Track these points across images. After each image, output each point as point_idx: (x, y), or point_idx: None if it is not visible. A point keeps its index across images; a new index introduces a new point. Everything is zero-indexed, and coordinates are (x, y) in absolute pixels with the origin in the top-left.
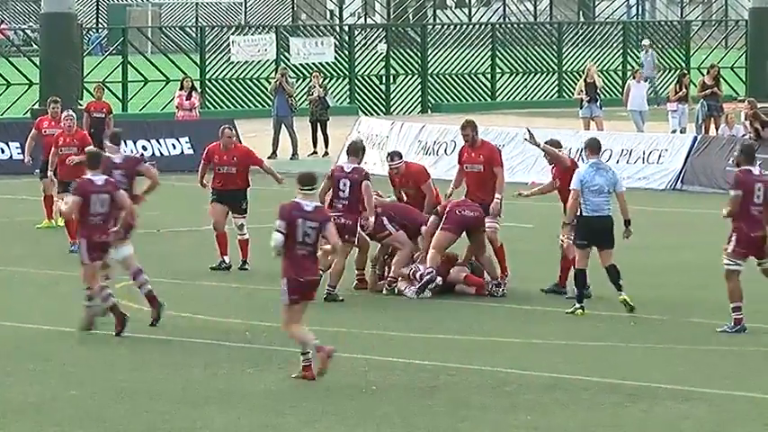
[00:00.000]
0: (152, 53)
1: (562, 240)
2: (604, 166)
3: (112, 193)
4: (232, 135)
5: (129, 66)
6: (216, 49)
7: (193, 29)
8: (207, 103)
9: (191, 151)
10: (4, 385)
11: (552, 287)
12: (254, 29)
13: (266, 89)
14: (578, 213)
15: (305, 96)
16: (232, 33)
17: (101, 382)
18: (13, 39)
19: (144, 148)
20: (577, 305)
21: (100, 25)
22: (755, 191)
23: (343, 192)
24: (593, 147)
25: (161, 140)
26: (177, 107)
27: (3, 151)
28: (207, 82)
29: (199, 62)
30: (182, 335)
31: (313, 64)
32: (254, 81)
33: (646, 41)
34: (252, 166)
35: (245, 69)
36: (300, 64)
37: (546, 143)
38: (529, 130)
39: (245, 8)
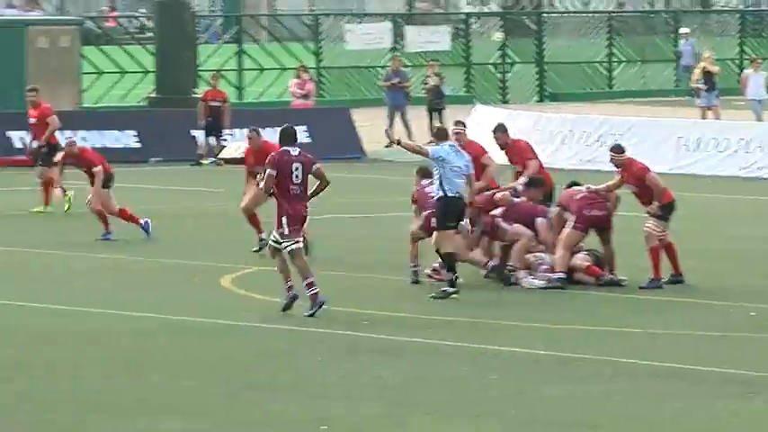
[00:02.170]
0: (267, 41)
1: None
2: None
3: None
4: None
5: (244, 54)
6: (331, 37)
7: (309, 17)
8: (321, 91)
9: (308, 139)
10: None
11: (669, 278)
12: (369, 17)
13: (381, 78)
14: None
15: (420, 85)
16: (347, 21)
17: (225, 373)
18: (127, 26)
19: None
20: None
21: (215, 13)
22: None
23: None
24: None
25: (277, 128)
26: (293, 95)
27: (118, 139)
28: (322, 70)
29: (314, 50)
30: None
31: (429, 52)
32: (370, 69)
33: (684, 29)
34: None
35: (360, 58)
36: (416, 52)
37: (611, 149)
38: (387, 132)
39: None
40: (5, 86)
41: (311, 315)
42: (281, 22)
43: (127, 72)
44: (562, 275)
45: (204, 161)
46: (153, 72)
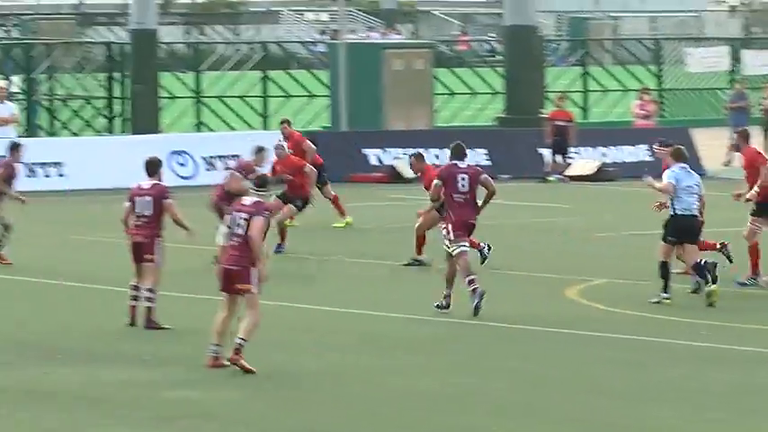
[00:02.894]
0: (611, 64)
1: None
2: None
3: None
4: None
5: (588, 76)
6: (672, 60)
7: (650, 41)
8: (663, 112)
9: (651, 158)
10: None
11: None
12: (708, 41)
13: (721, 100)
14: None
15: (758, 106)
16: (687, 45)
17: (546, 374)
18: (478, 50)
19: (603, 154)
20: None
21: (561, 37)
22: None
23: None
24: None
25: (619, 147)
26: (635, 115)
27: (470, 158)
28: (663, 92)
29: (656, 72)
30: (633, 332)
31: (765, 75)
32: (710, 91)
33: None
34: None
35: (699, 80)
36: (753, 75)
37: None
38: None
39: (701, 21)
40: (363, 106)
41: (476, 307)
42: (624, 45)
43: (477, 93)
44: None
45: (550, 178)
46: (502, 93)
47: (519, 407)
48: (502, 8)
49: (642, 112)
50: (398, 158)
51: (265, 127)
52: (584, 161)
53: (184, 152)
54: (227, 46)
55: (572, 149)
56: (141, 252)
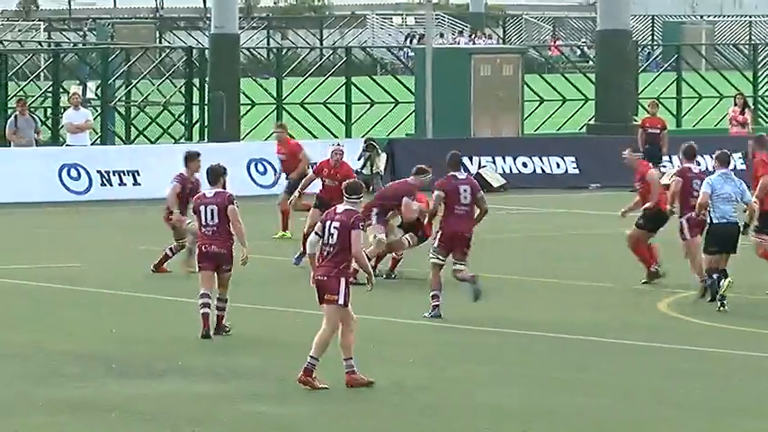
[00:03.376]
0: (705, 70)
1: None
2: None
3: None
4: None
5: (682, 82)
6: None
7: (746, 46)
8: (760, 119)
9: (743, 166)
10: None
11: None
12: None
13: None
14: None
15: None
16: None
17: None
18: (569, 55)
19: (698, 163)
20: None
21: (655, 42)
22: None
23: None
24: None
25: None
26: (730, 122)
27: (558, 165)
28: (759, 98)
29: (752, 79)
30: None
31: None
32: None
33: None
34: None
35: None
36: None
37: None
38: None
39: None
40: (449, 113)
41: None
42: (720, 50)
43: (568, 99)
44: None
45: None
46: (593, 99)
47: (620, 424)
48: (594, 12)
49: (738, 118)
50: (485, 167)
51: (348, 134)
52: (675, 170)
53: (264, 160)
54: (311, 51)
55: (665, 158)
56: (219, 263)
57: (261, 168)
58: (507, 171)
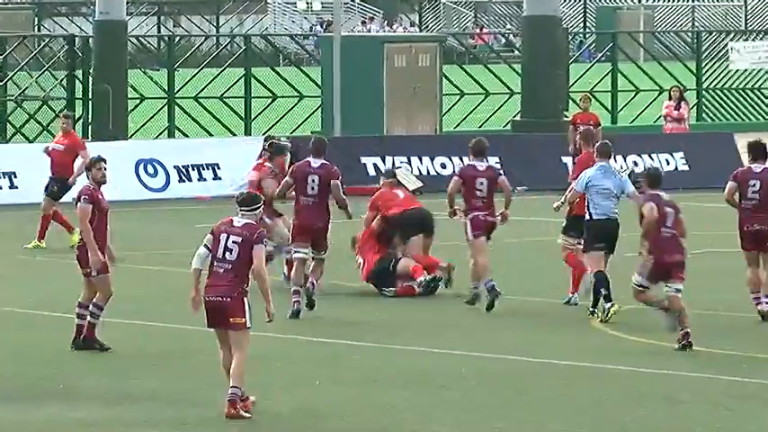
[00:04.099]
0: (644, 60)
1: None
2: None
3: None
4: None
5: (618, 73)
6: (713, 55)
7: (689, 33)
8: (704, 114)
9: (685, 167)
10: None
11: None
12: (754, 34)
13: None
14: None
15: None
16: (731, 39)
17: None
18: (493, 44)
19: (635, 163)
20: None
21: (588, 29)
22: None
23: (481, 191)
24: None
25: (652, 155)
26: (665, 118)
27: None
28: (703, 92)
29: (695, 70)
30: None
31: None
32: (756, 91)
33: None
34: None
35: (745, 78)
36: None
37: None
38: None
39: (746, 12)
40: (360, 109)
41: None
42: (660, 38)
43: (491, 93)
44: None
45: None
46: (519, 93)
47: None
48: None
49: (673, 114)
50: (399, 168)
51: (247, 132)
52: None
53: (155, 161)
54: (206, 39)
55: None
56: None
57: (151, 170)
58: (424, 173)
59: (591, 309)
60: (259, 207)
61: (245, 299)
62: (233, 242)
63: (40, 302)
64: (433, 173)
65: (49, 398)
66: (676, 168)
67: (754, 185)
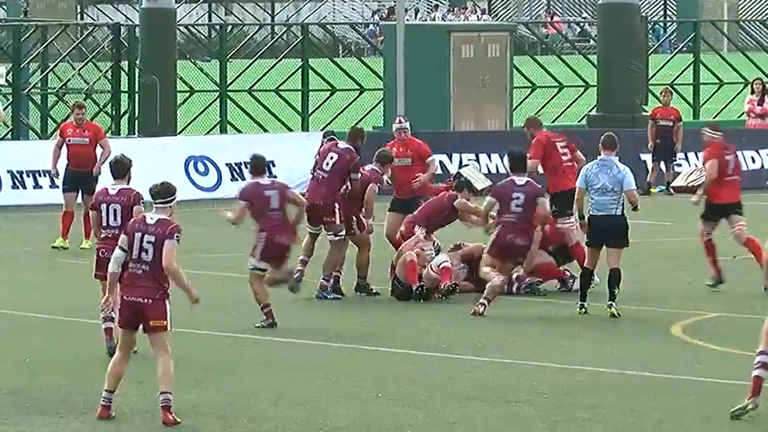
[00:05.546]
0: (728, 51)
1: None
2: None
3: None
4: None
5: (701, 65)
6: None
7: None
8: None
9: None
10: None
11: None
12: None
13: None
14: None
15: None
16: None
17: None
18: (567, 33)
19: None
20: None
21: (668, 18)
22: None
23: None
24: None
25: (737, 152)
26: (748, 113)
27: None
28: None
29: None
30: None
31: None
32: None
33: None
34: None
35: None
36: None
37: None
38: None
39: None
40: (425, 102)
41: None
42: (745, 28)
43: (565, 86)
44: None
45: (653, 189)
46: (595, 86)
47: None
48: None
49: (756, 109)
50: (467, 165)
51: (305, 127)
52: (692, 169)
53: (205, 158)
54: (260, 28)
55: (679, 155)
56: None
57: (201, 168)
58: (493, 171)
59: (579, 303)
60: (174, 199)
61: (167, 300)
62: (148, 242)
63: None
64: (502, 171)
65: (79, 411)
66: (762, 167)
67: (517, 198)
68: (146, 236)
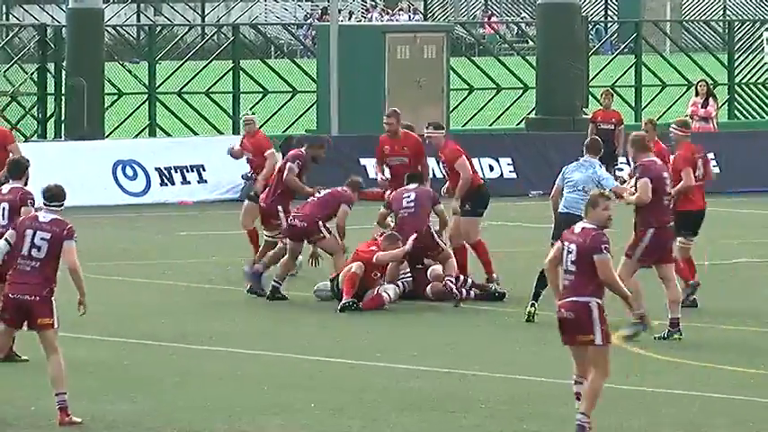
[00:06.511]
0: (670, 52)
1: None
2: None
3: None
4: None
5: (642, 67)
6: (746, 47)
7: (720, 23)
8: (736, 111)
9: (716, 169)
10: None
11: None
12: None
13: None
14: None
15: None
16: (766, 29)
17: None
18: (505, 34)
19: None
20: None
21: (609, 18)
22: None
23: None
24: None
25: None
26: (691, 116)
27: (492, 168)
28: (735, 87)
29: (726, 63)
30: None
31: None
32: None
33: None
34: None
35: None
36: None
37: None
38: None
39: None
40: (359, 105)
41: None
42: (688, 28)
43: (503, 88)
44: None
45: None
46: (533, 88)
47: None
48: None
49: (699, 111)
50: None
51: (236, 130)
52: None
53: (134, 162)
54: (190, 29)
55: (620, 158)
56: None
57: (130, 172)
58: (429, 174)
59: (531, 302)
60: (65, 203)
61: (53, 299)
62: (41, 239)
63: None
64: (438, 175)
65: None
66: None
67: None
68: (38, 233)
